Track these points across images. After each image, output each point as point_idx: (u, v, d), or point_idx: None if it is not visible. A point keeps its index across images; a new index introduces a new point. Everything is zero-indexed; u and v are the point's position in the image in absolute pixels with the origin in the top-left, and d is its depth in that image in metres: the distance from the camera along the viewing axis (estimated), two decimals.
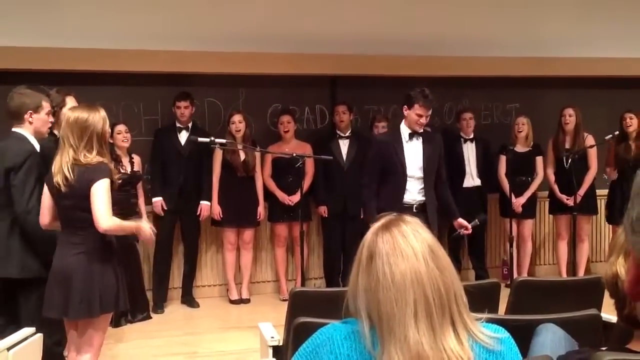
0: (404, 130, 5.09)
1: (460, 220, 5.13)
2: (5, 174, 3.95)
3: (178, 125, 6.47)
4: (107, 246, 3.58)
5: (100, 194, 3.43)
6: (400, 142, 5.06)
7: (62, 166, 3.48)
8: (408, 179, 5.04)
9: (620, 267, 1.71)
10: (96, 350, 3.62)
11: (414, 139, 5.07)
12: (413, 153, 5.08)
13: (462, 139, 7.12)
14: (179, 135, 6.47)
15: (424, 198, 5.09)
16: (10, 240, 4.01)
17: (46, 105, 4.17)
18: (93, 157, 3.49)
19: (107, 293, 3.52)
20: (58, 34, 6.01)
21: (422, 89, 5.03)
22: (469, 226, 5.12)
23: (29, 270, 4.01)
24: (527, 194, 7.04)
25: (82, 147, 3.48)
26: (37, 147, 4.10)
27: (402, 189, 5.02)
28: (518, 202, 6.93)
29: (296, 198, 6.31)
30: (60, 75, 6.16)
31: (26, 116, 4.09)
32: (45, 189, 3.62)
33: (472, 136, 7.13)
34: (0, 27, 5.82)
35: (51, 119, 4.22)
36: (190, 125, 6.51)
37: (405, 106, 5.04)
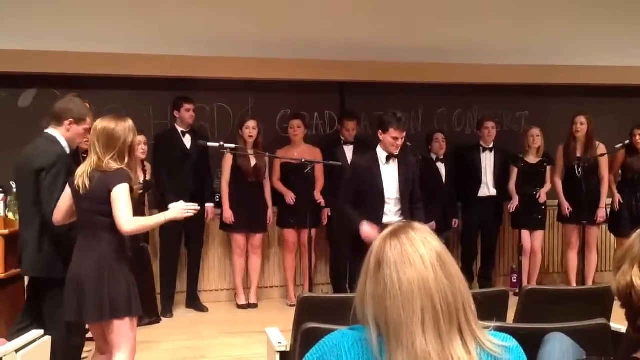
0: (381, 153, 5.13)
1: None
2: (36, 175, 3.99)
3: (181, 129, 6.47)
4: (119, 252, 3.61)
5: (120, 198, 3.48)
6: (378, 165, 5.10)
7: (84, 171, 3.58)
8: (386, 201, 5.08)
9: (636, 277, 1.68)
10: (127, 355, 3.62)
11: (391, 161, 5.11)
12: (390, 176, 5.12)
13: (481, 148, 7.09)
14: (183, 140, 6.47)
15: (401, 219, 5.09)
16: (42, 240, 4.05)
17: (89, 122, 4.19)
18: (117, 166, 3.54)
19: (118, 298, 3.54)
20: (69, 37, 6.04)
21: (393, 112, 5.09)
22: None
23: (54, 270, 4.04)
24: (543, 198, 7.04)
25: (109, 157, 3.55)
26: (68, 150, 4.14)
27: (380, 211, 5.04)
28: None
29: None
30: (71, 79, 6.21)
31: (66, 122, 4.11)
32: (67, 189, 3.69)
33: (491, 145, 7.10)
34: (10, 31, 5.86)
35: (87, 136, 4.20)
36: (191, 128, 6.52)
37: (380, 130, 5.09)
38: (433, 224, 6.16)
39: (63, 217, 3.77)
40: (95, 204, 3.54)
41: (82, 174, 3.58)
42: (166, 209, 5.85)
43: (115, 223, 3.50)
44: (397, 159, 5.12)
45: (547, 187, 7.05)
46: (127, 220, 3.49)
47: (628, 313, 1.73)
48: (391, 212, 5.09)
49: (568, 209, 6.87)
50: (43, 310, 4.10)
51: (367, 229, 4.90)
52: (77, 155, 4.74)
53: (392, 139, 5.01)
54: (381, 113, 7.22)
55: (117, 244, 3.60)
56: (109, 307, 3.52)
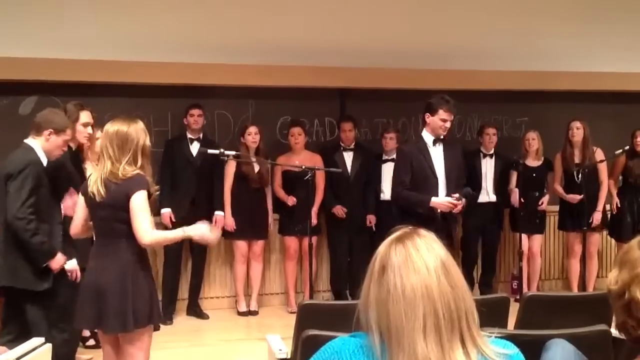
0: (427, 136, 5.11)
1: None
2: (5, 181, 4.04)
3: (190, 136, 6.49)
4: (141, 259, 3.53)
5: (139, 208, 3.40)
6: (426, 147, 5.09)
7: (97, 178, 3.48)
8: (439, 184, 5.05)
9: (612, 276, 1.71)
10: None
11: (437, 144, 5.10)
12: (437, 158, 5.11)
13: (481, 154, 7.10)
14: (190, 147, 6.48)
15: None
16: (7, 248, 4.07)
17: (69, 133, 4.24)
18: (132, 170, 3.45)
19: (141, 307, 3.47)
20: (69, 45, 6.04)
21: (442, 95, 5.11)
22: (458, 197, 4.95)
23: (19, 279, 4.05)
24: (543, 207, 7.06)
25: (124, 161, 3.45)
26: (44, 160, 4.15)
27: (435, 194, 5.00)
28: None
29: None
30: (71, 87, 6.22)
31: (45, 132, 4.16)
32: (81, 199, 3.61)
33: (492, 152, 7.11)
34: (12, 38, 5.86)
35: (65, 147, 4.31)
36: (201, 136, 6.54)
37: (428, 114, 5.08)
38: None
39: (80, 230, 3.68)
40: (115, 211, 3.44)
41: (95, 181, 3.48)
42: (159, 213, 5.81)
43: (134, 233, 3.42)
44: (442, 143, 5.11)
45: (548, 195, 7.06)
46: (146, 232, 3.40)
47: (625, 324, 1.74)
48: (441, 195, 5.04)
49: (575, 198, 6.80)
50: (27, 321, 4.09)
51: (437, 199, 4.91)
52: (77, 159, 4.75)
53: (440, 120, 5.02)
54: (382, 120, 7.32)
55: (139, 251, 3.51)
56: (132, 317, 3.44)
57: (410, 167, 5.05)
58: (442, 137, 5.10)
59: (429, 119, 5.08)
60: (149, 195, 3.49)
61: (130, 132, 3.48)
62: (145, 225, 3.40)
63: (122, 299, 3.44)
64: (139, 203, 3.41)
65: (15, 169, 4.02)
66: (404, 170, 5.10)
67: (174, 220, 6.28)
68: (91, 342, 5.49)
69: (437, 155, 5.11)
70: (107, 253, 3.51)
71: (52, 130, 4.15)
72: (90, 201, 3.52)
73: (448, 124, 5.05)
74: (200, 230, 3.67)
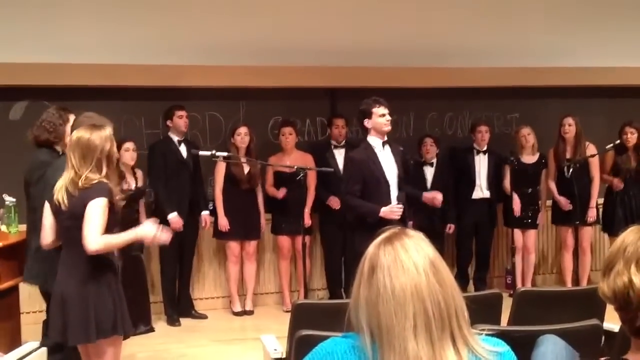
0: (374, 140, 5.03)
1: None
2: None
3: (177, 138, 6.45)
4: (104, 268, 3.46)
5: (91, 214, 3.30)
6: (375, 154, 5.01)
7: (62, 187, 3.41)
8: (390, 188, 4.98)
9: (636, 277, 1.66)
10: None
11: (385, 147, 5.05)
12: (387, 162, 5.05)
13: (474, 151, 7.13)
14: (180, 149, 6.46)
15: (399, 203, 5.00)
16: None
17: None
18: (94, 179, 3.37)
19: (104, 317, 3.41)
20: (59, 49, 6.03)
21: (368, 98, 5.07)
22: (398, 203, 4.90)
23: None
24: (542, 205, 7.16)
25: (85, 169, 3.36)
26: None
27: (388, 199, 4.92)
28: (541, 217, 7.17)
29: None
30: (61, 91, 6.19)
31: None
32: (47, 207, 3.53)
33: (485, 148, 7.14)
34: (1, 43, 5.85)
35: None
36: (184, 137, 6.51)
37: (365, 119, 5.02)
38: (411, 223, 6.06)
39: (51, 240, 3.58)
40: (75, 221, 3.35)
41: (60, 188, 3.41)
42: (164, 218, 5.79)
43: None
44: (388, 145, 5.06)
45: (543, 190, 7.11)
46: (93, 238, 3.28)
47: (625, 315, 1.71)
48: (394, 199, 4.97)
49: (566, 201, 6.84)
50: None
51: (386, 208, 4.82)
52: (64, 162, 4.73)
53: (380, 117, 4.95)
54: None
55: (102, 260, 3.44)
56: (95, 328, 3.39)
57: (361, 175, 4.97)
58: (387, 131, 5.03)
59: (368, 123, 5.00)
60: (112, 204, 3.40)
61: (93, 140, 3.39)
62: (92, 233, 3.28)
63: (83, 309, 3.38)
64: (92, 210, 3.30)
65: None
66: (353, 180, 5.00)
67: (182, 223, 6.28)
68: None
69: (386, 159, 5.04)
70: (69, 263, 3.46)
71: None
72: (55, 209, 3.46)
73: (388, 117, 4.99)
74: (149, 233, 3.52)
